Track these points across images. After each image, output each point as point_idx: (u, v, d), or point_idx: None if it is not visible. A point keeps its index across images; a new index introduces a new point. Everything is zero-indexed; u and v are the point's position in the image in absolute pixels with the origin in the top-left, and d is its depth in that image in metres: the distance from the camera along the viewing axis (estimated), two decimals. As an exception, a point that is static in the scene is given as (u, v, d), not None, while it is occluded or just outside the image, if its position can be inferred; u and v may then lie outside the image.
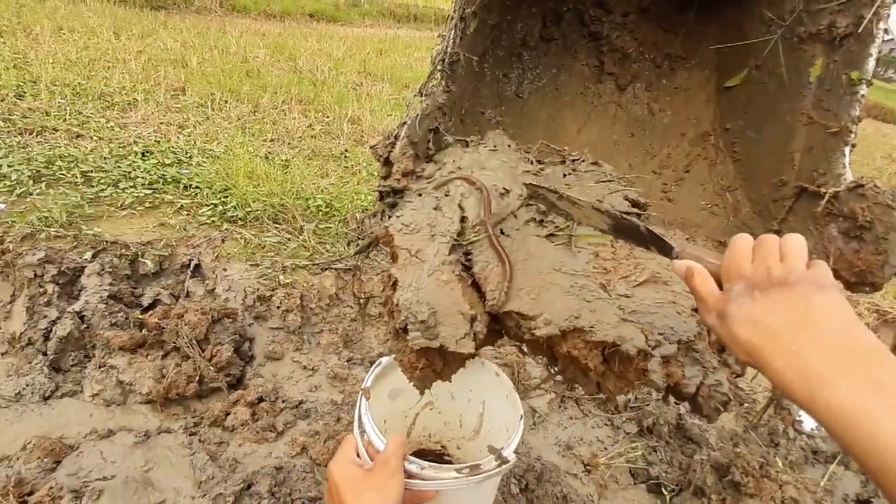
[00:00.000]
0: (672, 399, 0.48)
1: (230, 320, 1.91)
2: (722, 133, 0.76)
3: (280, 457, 1.56)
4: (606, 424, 2.10)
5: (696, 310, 0.56)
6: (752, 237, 0.52)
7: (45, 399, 1.58)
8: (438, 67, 0.59)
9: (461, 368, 0.53)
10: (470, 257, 0.46)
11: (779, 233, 0.61)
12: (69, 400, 1.60)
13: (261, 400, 1.73)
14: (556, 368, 0.48)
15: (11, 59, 3.65)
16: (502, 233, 0.47)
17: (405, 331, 0.42)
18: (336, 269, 2.32)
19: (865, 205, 0.53)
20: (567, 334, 0.42)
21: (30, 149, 2.62)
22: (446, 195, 0.51)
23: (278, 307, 2.06)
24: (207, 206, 2.52)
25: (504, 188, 0.53)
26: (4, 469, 1.33)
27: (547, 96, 0.82)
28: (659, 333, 0.43)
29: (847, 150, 0.57)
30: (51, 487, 1.26)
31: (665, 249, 0.52)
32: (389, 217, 0.48)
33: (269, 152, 3.22)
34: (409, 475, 0.72)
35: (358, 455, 0.77)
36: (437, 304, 0.42)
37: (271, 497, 1.40)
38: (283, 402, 1.75)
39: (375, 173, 3.32)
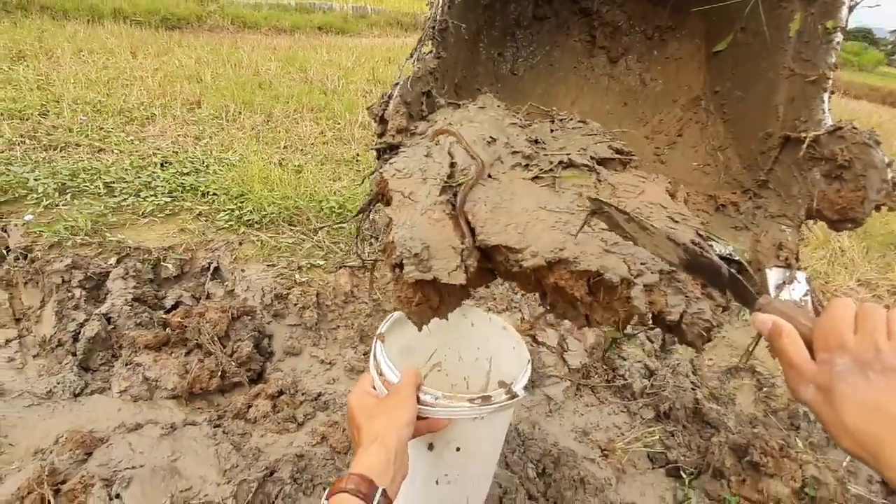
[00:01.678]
0: (665, 337, 0.50)
1: (249, 318, 1.96)
2: (712, 97, 0.79)
3: (301, 446, 1.60)
4: (623, 411, 2.10)
5: (708, 294, 0.56)
6: (852, 303, 0.46)
7: (76, 396, 1.64)
8: (428, 35, 0.62)
9: (469, 321, 0.55)
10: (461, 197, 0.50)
11: (766, 183, 0.63)
12: (98, 396, 1.66)
13: (281, 393, 1.77)
14: (547, 304, 0.51)
15: (35, 81, 3.79)
16: (490, 176, 0.51)
17: (401, 266, 0.45)
18: (350, 267, 2.36)
19: (844, 145, 0.55)
20: (553, 265, 0.45)
21: (55, 163, 2.72)
22: (437, 144, 0.55)
23: (295, 304, 2.11)
24: (225, 211, 2.59)
25: (491, 136, 0.56)
26: (39, 461, 1.38)
27: (541, 73, 0.85)
28: (641, 263, 0.46)
29: (826, 96, 0.59)
30: (82, 476, 1.31)
31: (747, 299, 0.48)
32: (381, 170, 0.52)
33: (283, 159, 3.29)
34: (423, 405, 0.76)
35: (374, 388, 0.81)
36: (429, 240, 0.45)
37: (293, 483, 1.43)
38: (303, 394, 1.80)
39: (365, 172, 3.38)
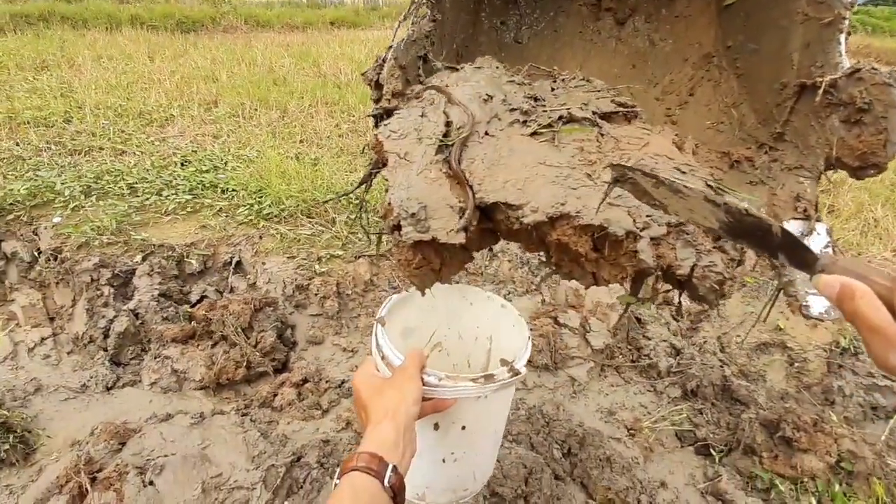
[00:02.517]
0: (676, 295, 0.49)
1: (272, 309, 1.99)
2: (724, 52, 0.76)
3: (326, 431, 1.62)
4: (649, 390, 2.07)
5: (720, 247, 0.53)
6: None
7: (108, 389, 1.69)
8: (422, -4, 0.61)
9: (470, 294, 0.54)
10: (458, 156, 0.49)
11: (782, 135, 0.60)
12: (130, 389, 1.71)
13: (305, 381, 1.80)
14: (553, 263, 0.49)
15: (59, 89, 3.89)
16: (487, 133, 0.49)
17: (399, 228, 0.45)
18: (369, 256, 2.37)
19: (863, 87, 0.52)
20: (555, 221, 0.44)
21: (80, 167, 2.79)
22: (431, 104, 0.54)
23: (316, 295, 2.13)
24: (244, 206, 2.62)
25: (487, 94, 0.54)
26: (75, 451, 1.43)
27: (546, 39, 0.83)
28: (647, 216, 0.44)
29: (843, 37, 0.56)
30: (117, 465, 1.35)
31: (805, 259, 0.43)
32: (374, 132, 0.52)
33: (299, 153, 3.32)
34: (427, 386, 0.76)
35: (378, 371, 0.82)
36: (426, 200, 0.44)
37: (320, 467, 1.45)
38: (327, 382, 1.82)
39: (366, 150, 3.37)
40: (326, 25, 9.31)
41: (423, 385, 0.76)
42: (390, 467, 0.63)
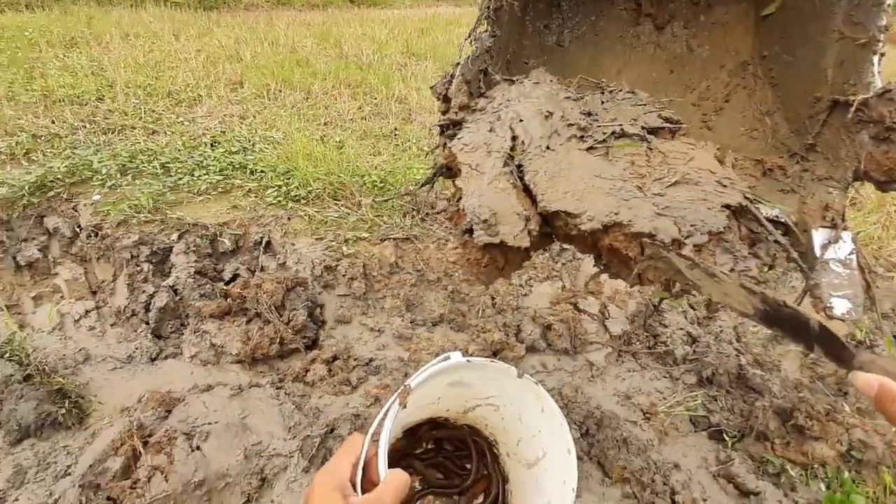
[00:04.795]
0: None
1: (302, 288, 2.07)
2: (760, 61, 0.80)
3: (356, 406, 1.71)
4: (665, 377, 2.13)
5: (755, 253, 0.58)
6: None
7: (152, 360, 1.80)
8: (484, 14, 0.66)
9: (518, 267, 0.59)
10: (522, 169, 0.54)
11: (813, 146, 0.65)
12: (172, 361, 1.81)
13: (335, 358, 1.88)
14: (602, 264, 0.55)
15: (89, 67, 3.97)
16: (548, 148, 0.55)
17: (471, 231, 0.51)
18: (394, 239, 2.44)
19: (893, 107, 0.56)
20: (608, 228, 0.49)
21: (114, 146, 2.88)
22: (498, 119, 0.59)
23: (344, 276, 2.21)
24: (272, 187, 2.70)
25: (548, 111, 0.59)
26: (127, 417, 1.54)
27: (587, 43, 0.87)
28: (690, 225, 0.49)
29: (876, 59, 0.60)
30: (166, 430, 1.45)
31: (842, 356, 0.45)
32: (448, 144, 0.57)
33: (324, 135, 3.37)
34: None
35: (354, 468, 0.64)
36: (496, 208, 0.50)
37: (352, 439, 1.54)
38: (355, 360, 1.90)
39: (425, 149, 3.42)
40: (346, 4, 9.26)
41: None
42: None
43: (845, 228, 0.57)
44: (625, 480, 1.63)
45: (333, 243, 2.38)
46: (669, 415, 1.92)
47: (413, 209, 2.68)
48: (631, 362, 2.16)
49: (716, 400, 1.98)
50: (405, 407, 0.74)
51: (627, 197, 0.49)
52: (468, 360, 0.77)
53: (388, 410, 0.74)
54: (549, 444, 0.84)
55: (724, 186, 0.52)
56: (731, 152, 0.59)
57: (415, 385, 0.74)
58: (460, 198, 0.52)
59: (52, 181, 2.49)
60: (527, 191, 0.52)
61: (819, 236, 0.56)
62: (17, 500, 1.34)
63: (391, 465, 0.68)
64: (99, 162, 2.65)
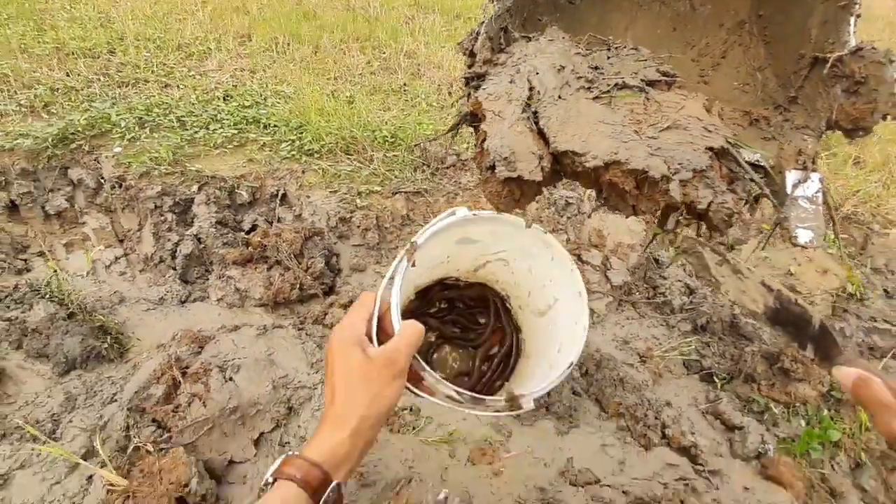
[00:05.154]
0: (696, 225, 0.64)
1: (319, 238, 2.18)
2: (756, 20, 0.86)
3: (373, 346, 1.84)
4: (661, 325, 2.25)
5: (733, 189, 0.68)
6: None
7: (182, 303, 1.93)
8: (506, -25, 0.73)
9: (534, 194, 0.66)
10: (537, 115, 0.63)
11: (795, 99, 0.73)
12: (200, 303, 1.94)
13: (351, 303, 2.00)
14: (603, 198, 0.65)
15: (98, 19, 3.96)
16: (560, 97, 0.63)
17: (493, 168, 0.60)
18: (406, 193, 2.53)
19: (863, 64, 0.64)
20: (609, 166, 0.58)
21: (129, 99, 2.93)
22: (517, 72, 0.67)
23: (358, 227, 2.31)
24: (286, 141, 2.76)
25: (560, 65, 0.67)
26: (164, 352, 1.68)
27: (597, 1, 0.94)
28: (678, 164, 0.58)
29: (852, 20, 0.66)
30: (201, 363, 1.59)
31: (831, 352, 0.51)
32: (474, 94, 0.66)
33: (335, 90, 3.40)
34: (414, 386, 0.68)
35: (368, 323, 0.66)
36: (514, 148, 0.59)
37: (370, 374, 1.68)
38: (370, 305, 2.02)
39: (435, 104, 3.46)
40: (351, -48, 8.98)
41: (412, 381, 0.66)
42: (331, 486, 0.55)
43: (815, 170, 0.66)
44: (620, 415, 1.77)
45: (347, 196, 2.47)
46: (664, 359, 2.05)
47: (423, 164, 2.75)
48: (630, 311, 2.29)
49: (708, 346, 2.11)
50: (413, 265, 0.75)
51: (626, 139, 0.58)
52: (474, 214, 0.77)
53: (396, 267, 0.74)
54: (560, 291, 0.85)
55: (709, 132, 0.60)
56: (720, 103, 0.67)
57: (421, 242, 0.74)
58: (484, 140, 0.61)
59: (73, 133, 2.56)
60: (541, 134, 0.61)
61: (791, 177, 0.65)
62: (70, 421, 1.49)
63: None
64: (117, 115, 2.71)
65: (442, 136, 0.88)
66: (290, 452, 0.58)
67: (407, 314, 0.96)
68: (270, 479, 0.56)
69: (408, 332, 0.64)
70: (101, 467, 1.34)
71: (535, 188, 0.62)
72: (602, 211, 2.69)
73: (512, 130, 0.59)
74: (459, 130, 0.77)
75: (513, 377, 0.99)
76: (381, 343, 0.64)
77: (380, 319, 0.68)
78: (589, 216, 2.57)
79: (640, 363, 2.02)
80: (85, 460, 1.37)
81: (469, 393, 0.68)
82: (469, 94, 0.67)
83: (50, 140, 2.45)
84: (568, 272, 0.82)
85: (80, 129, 2.58)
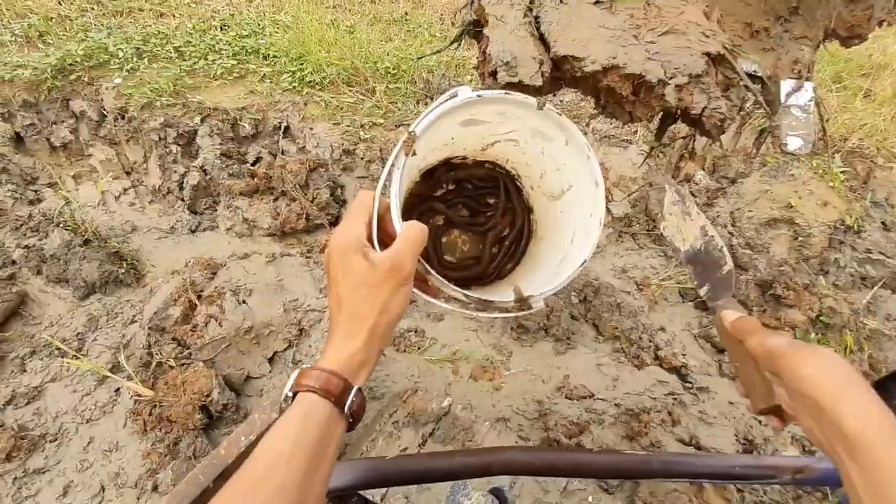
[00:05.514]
0: (688, 128, 0.67)
1: (323, 169, 2.20)
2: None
3: (378, 273, 1.91)
4: (659, 255, 2.31)
5: (727, 96, 0.71)
6: None
7: (193, 232, 1.98)
8: None
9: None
10: (538, 20, 0.64)
11: (796, 9, 0.73)
12: (210, 233, 1.99)
13: (357, 233, 2.05)
14: (601, 105, 0.67)
15: (85, -57, 3.79)
16: (561, 2, 0.64)
17: (494, 74, 0.62)
18: (408, 125, 2.52)
19: (863, -29, 0.65)
20: (607, 70, 0.60)
21: (125, 29, 2.86)
22: None
23: (362, 159, 2.32)
24: (287, 73, 2.72)
25: None
26: (179, 277, 1.74)
27: None
28: (674, 68, 0.60)
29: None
30: (215, 287, 1.66)
31: (720, 296, 0.67)
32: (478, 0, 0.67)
33: (334, 19, 3.30)
34: (421, 291, 0.65)
35: (368, 226, 0.62)
36: (516, 52, 0.60)
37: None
38: (375, 235, 2.07)
39: (437, 34, 3.36)
40: None
41: (418, 286, 0.64)
42: (353, 391, 0.54)
43: (808, 79, 0.68)
44: (615, 338, 1.85)
45: (350, 128, 2.46)
46: (660, 287, 2.12)
47: (426, 96, 2.72)
48: (629, 242, 2.33)
49: (704, 275, 2.17)
50: (414, 154, 0.70)
51: (624, 44, 0.60)
52: (479, 95, 0.68)
53: (393, 162, 0.68)
54: (575, 177, 0.78)
55: (707, 37, 0.61)
56: (720, 12, 0.68)
57: (420, 130, 0.68)
58: (486, 46, 0.62)
59: (71, 64, 2.52)
60: (542, 39, 0.62)
61: (786, 86, 0.67)
62: (95, 339, 1.58)
63: (411, 210, 0.69)
64: (114, 45, 2.66)
65: (445, 49, 0.81)
66: (304, 366, 0.55)
67: (412, 198, 0.91)
68: (290, 394, 0.53)
69: (410, 234, 0.60)
70: (128, 380, 1.44)
71: (535, 95, 0.64)
72: (604, 146, 2.69)
73: (513, 35, 0.60)
74: (459, 44, 0.77)
75: (524, 259, 0.95)
76: (383, 246, 0.61)
77: (380, 220, 0.63)
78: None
79: (637, 291, 2.09)
80: (112, 374, 1.46)
81: (475, 295, 0.65)
82: (472, 1, 0.68)
83: (49, 71, 2.43)
84: (584, 159, 0.74)
85: (77, 59, 2.54)
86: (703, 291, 0.75)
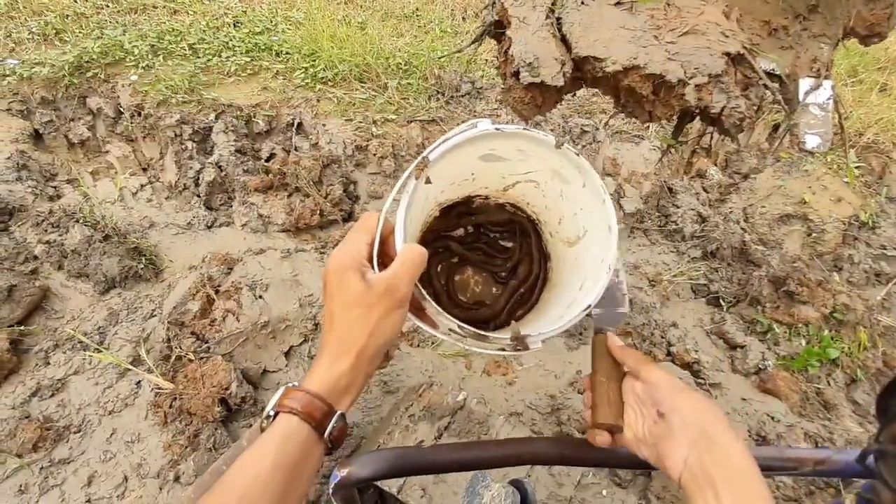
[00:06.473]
0: (708, 127, 0.67)
1: (336, 166, 2.21)
2: (784, -74, 0.85)
3: (392, 269, 1.93)
4: (672, 251, 2.31)
5: (746, 95, 0.71)
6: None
7: (209, 228, 2.01)
8: None
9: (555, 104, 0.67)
10: (560, 21, 0.65)
11: (816, 7, 0.73)
12: (226, 229, 2.02)
13: (370, 229, 2.07)
14: (621, 105, 0.68)
15: (99, -59, 3.82)
16: (583, 3, 0.65)
17: (517, 74, 0.63)
18: (420, 121, 2.53)
19: (884, -31, 0.65)
20: (628, 70, 0.61)
21: (140, 26, 2.89)
22: None
23: (374, 155, 2.34)
24: (299, 69, 2.74)
25: None
26: (197, 272, 1.77)
27: None
28: (694, 68, 0.61)
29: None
30: (232, 283, 1.69)
31: (616, 320, 0.74)
32: (499, 1, 0.68)
33: (346, 16, 3.31)
34: (417, 317, 0.63)
35: (370, 247, 0.61)
36: (538, 53, 0.61)
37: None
38: (388, 230, 2.09)
39: (448, 30, 3.36)
40: None
41: (414, 311, 0.62)
42: (335, 417, 0.53)
43: (827, 77, 0.68)
44: (627, 334, 1.86)
45: (362, 124, 2.48)
46: (673, 283, 2.12)
47: (438, 92, 2.73)
48: (642, 238, 2.33)
49: (717, 271, 2.17)
50: (428, 181, 0.69)
51: (645, 44, 0.60)
52: (497, 129, 0.69)
53: (403, 184, 0.68)
54: (591, 221, 0.79)
55: (727, 37, 0.62)
56: (738, 10, 0.69)
57: (434, 157, 0.68)
58: (509, 47, 0.63)
59: (87, 62, 2.56)
60: (564, 40, 0.63)
61: (804, 84, 0.68)
62: (115, 333, 1.62)
63: (426, 245, 0.69)
64: (129, 42, 2.69)
65: (466, 49, 0.81)
66: (290, 384, 0.55)
67: (429, 233, 0.92)
68: (272, 413, 0.53)
69: (408, 257, 0.59)
70: (149, 373, 1.47)
71: (556, 95, 0.65)
72: (616, 141, 2.68)
73: (536, 36, 0.61)
74: (480, 44, 0.78)
75: (538, 305, 0.94)
76: (383, 268, 0.59)
77: (383, 243, 0.62)
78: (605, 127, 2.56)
79: (649, 287, 2.09)
80: (133, 367, 1.50)
81: (471, 328, 0.63)
82: (494, 2, 0.69)
83: (66, 68, 2.46)
84: (600, 203, 0.75)
85: (94, 56, 2.57)
86: (594, 312, 0.76)
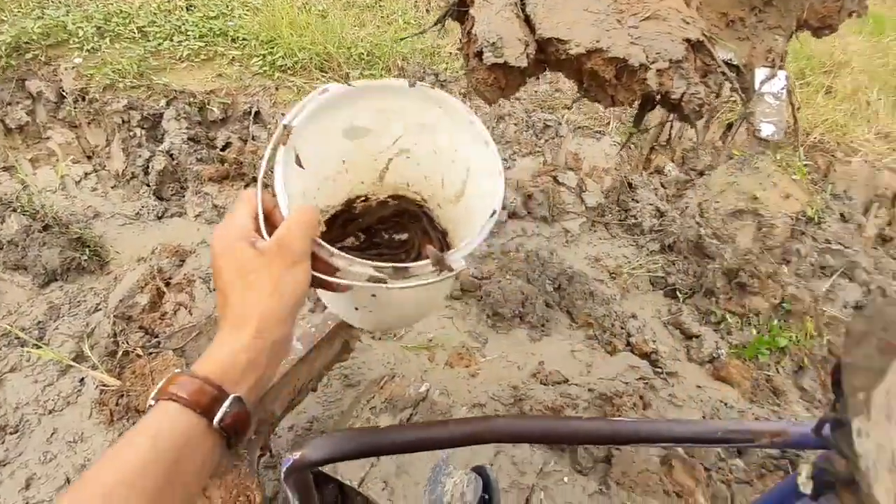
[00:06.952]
0: (668, 114, 0.68)
1: (296, 156, 2.15)
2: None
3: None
4: (631, 245, 2.35)
5: (705, 82, 0.72)
6: None
7: (159, 218, 1.92)
8: None
9: (519, 88, 0.65)
10: (524, 1, 0.64)
11: (770, 1, 0.75)
12: (177, 219, 1.93)
13: (331, 221, 2.03)
14: (584, 89, 0.67)
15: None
16: (548, -16, 0.65)
17: (480, 55, 0.61)
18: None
19: (835, -37, 0.67)
20: (591, 53, 0.61)
21: (85, 7, 2.73)
22: None
23: (336, 145, 2.29)
24: (257, 56, 2.65)
25: None
26: (146, 264, 1.69)
27: None
28: (656, 53, 0.61)
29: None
30: (184, 275, 1.62)
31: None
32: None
33: (306, 3, 3.23)
34: (322, 271, 0.56)
35: (255, 219, 0.56)
36: (502, 33, 0.60)
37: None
38: (350, 222, 2.05)
39: (412, 21, 3.32)
40: None
41: (317, 269, 0.55)
42: (228, 401, 0.46)
43: (782, 68, 0.70)
44: (588, 325, 1.89)
45: (323, 114, 2.42)
46: (632, 275, 2.17)
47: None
48: (602, 231, 2.37)
49: (674, 264, 2.23)
50: (298, 162, 0.66)
51: (608, 28, 0.60)
52: (349, 85, 0.66)
53: (273, 157, 0.63)
54: (468, 154, 0.74)
55: (687, 23, 0.62)
56: (699, 4, 0.70)
57: (297, 122, 0.64)
58: (472, 26, 0.62)
59: (27, 42, 2.40)
60: (527, 21, 0.62)
61: (760, 74, 0.69)
62: (56, 328, 1.52)
63: None
64: (73, 23, 2.54)
65: (430, 29, 0.77)
66: (178, 370, 0.48)
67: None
68: (152, 402, 0.45)
69: (297, 215, 0.54)
70: (93, 369, 1.39)
71: (519, 77, 0.64)
72: (577, 137, 2.71)
73: (499, 16, 0.60)
74: (443, 25, 0.76)
75: None
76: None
77: (268, 217, 0.57)
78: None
79: (609, 279, 2.13)
80: (76, 363, 1.41)
81: (389, 265, 0.58)
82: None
83: (3, 49, 2.30)
84: (468, 124, 0.70)
85: (34, 37, 2.41)
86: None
